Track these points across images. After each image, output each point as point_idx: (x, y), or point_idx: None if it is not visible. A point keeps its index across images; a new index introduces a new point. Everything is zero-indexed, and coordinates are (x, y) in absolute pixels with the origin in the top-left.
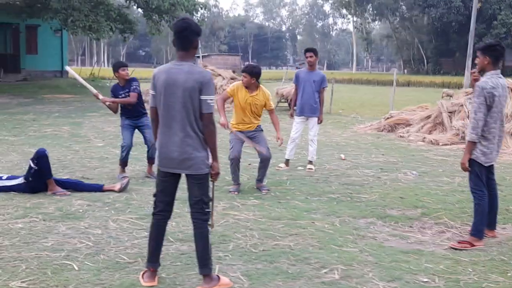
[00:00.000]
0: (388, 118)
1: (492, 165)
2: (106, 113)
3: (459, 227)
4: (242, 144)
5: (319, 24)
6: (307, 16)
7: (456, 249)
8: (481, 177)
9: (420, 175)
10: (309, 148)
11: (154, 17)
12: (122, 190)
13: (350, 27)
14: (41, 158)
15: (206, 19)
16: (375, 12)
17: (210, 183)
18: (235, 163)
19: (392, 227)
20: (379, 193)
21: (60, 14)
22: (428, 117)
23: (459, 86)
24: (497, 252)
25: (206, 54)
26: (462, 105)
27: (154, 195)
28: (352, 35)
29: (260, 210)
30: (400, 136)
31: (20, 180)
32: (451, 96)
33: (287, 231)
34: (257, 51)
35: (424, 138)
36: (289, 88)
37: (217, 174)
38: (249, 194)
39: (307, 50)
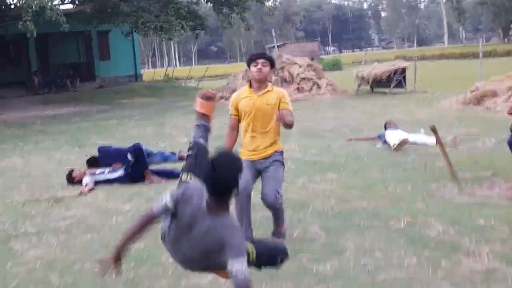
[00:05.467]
0: (473, 90)
1: None
2: (186, 112)
3: None
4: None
5: None
6: None
7: None
8: None
9: (500, 143)
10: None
11: (224, 10)
12: None
13: None
14: (137, 151)
15: (279, 5)
16: None
17: None
18: (243, 198)
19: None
20: (454, 160)
21: (131, 17)
22: None
23: None
24: None
25: (281, 43)
26: None
27: None
28: (441, 5)
29: (337, 182)
30: (488, 108)
31: (121, 173)
32: None
33: (361, 196)
34: (337, 34)
35: None
36: (369, 69)
37: None
38: (328, 170)
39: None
